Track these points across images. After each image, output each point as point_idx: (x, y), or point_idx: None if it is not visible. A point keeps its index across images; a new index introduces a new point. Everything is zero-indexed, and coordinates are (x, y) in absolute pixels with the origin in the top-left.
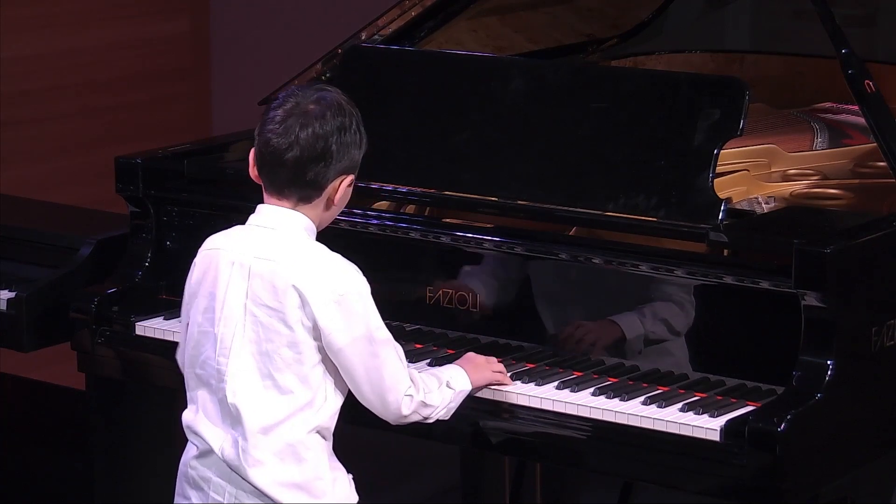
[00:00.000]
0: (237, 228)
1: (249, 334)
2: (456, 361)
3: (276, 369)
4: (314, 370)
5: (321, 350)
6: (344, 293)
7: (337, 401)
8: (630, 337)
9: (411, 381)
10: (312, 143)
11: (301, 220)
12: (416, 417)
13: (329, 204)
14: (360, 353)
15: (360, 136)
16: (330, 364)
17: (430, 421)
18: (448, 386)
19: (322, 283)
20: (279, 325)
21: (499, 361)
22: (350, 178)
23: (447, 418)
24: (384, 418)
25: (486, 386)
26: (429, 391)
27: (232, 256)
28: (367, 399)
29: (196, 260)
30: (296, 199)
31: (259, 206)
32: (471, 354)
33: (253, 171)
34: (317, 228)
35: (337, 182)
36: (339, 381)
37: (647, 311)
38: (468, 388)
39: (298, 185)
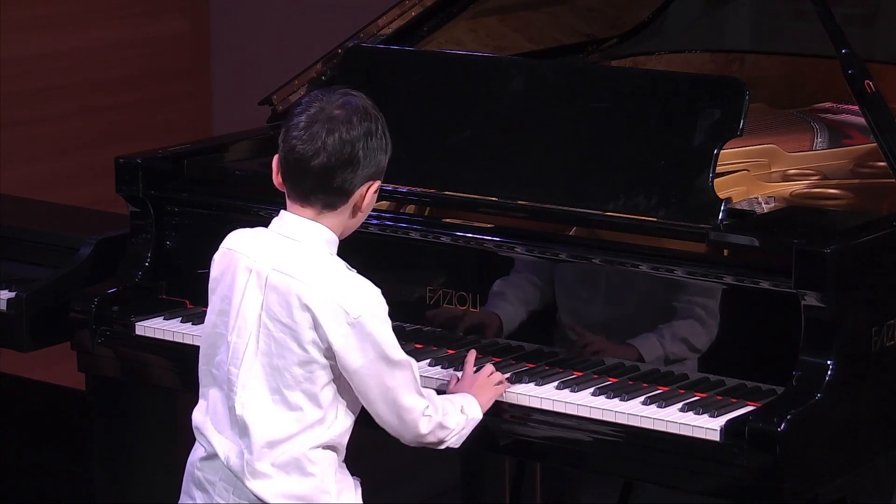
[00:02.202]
0: (260, 232)
1: (262, 347)
2: (460, 383)
3: (285, 386)
4: (325, 390)
5: (334, 370)
6: (359, 316)
7: (348, 419)
8: (648, 359)
9: (430, 401)
10: (339, 148)
11: (324, 233)
12: (432, 438)
13: (355, 211)
14: (375, 375)
15: (386, 140)
16: (343, 383)
17: (443, 447)
18: (462, 411)
19: (336, 305)
20: (291, 343)
21: (495, 369)
22: (377, 183)
23: (457, 446)
24: (401, 438)
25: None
26: (447, 413)
27: (250, 263)
28: (384, 419)
29: (216, 256)
30: (320, 207)
31: (282, 212)
32: (469, 373)
33: (277, 179)
34: (341, 236)
35: (364, 188)
36: (351, 399)
37: (666, 333)
38: (479, 416)
39: (325, 192)
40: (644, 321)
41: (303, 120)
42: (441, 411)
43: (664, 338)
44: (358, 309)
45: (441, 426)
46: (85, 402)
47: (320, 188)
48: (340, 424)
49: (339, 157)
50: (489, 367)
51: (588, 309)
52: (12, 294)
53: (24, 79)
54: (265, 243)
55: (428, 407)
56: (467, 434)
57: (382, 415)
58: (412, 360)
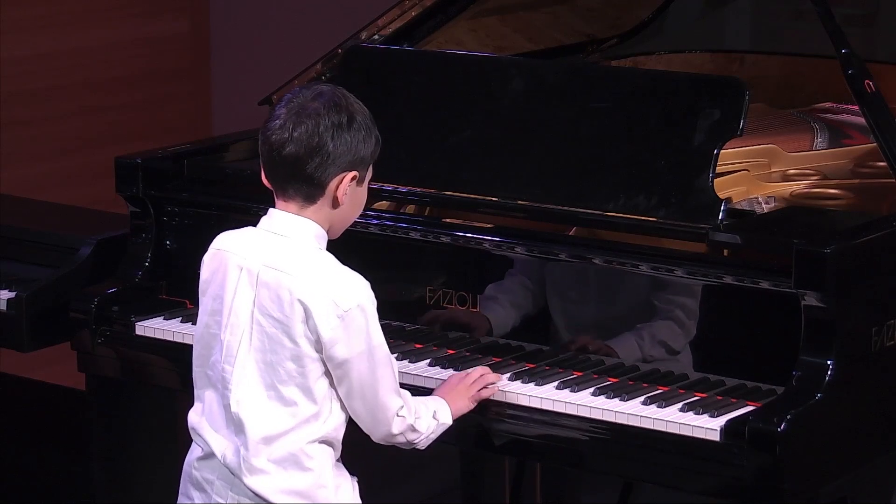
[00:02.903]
0: (248, 231)
1: (255, 343)
2: (437, 389)
3: (279, 381)
4: (318, 383)
5: (325, 363)
6: (348, 308)
7: (343, 413)
8: (627, 364)
9: (405, 402)
10: (306, 138)
11: (311, 227)
12: (402, 439)
13: (335, 203)
14: (357, 369)
15: (366, 132)
16: None
17: (410, 447)
18: (434, 417)
19: (327, 298)
20: (283, 338)
21: (484, 373)
22: (352, 174)
23: (423, 448)
24: (370, 434)
25: (468, 411)
26: (419, 416)
27: (240, 261)
28: (358, 414)
29: (205, 258)
30: (301, 200)
31: (270, 210)
32: (452, 380)
33: (263, 177)
34: (330, 232)
35: (338, 179)
36: None
37: (645, 335)
38: (449, 421)
39: (298, 183)
40: (625, 322)
41: (281, 112)
42: (414, 414)
43: (643, 339)
44: (348, 302)
45: (412, 429)
46: (85, 402)
47: (293, 178)
48: (336, 418)
49: (307, 147)
50: (464, 373)
51: (577, 309)
52: (12, 294)
53: (24, 79)
54: (254, 241)
55: (402, 408)
56: (435, 438)
57: (357, 409)
58: (393, 359)
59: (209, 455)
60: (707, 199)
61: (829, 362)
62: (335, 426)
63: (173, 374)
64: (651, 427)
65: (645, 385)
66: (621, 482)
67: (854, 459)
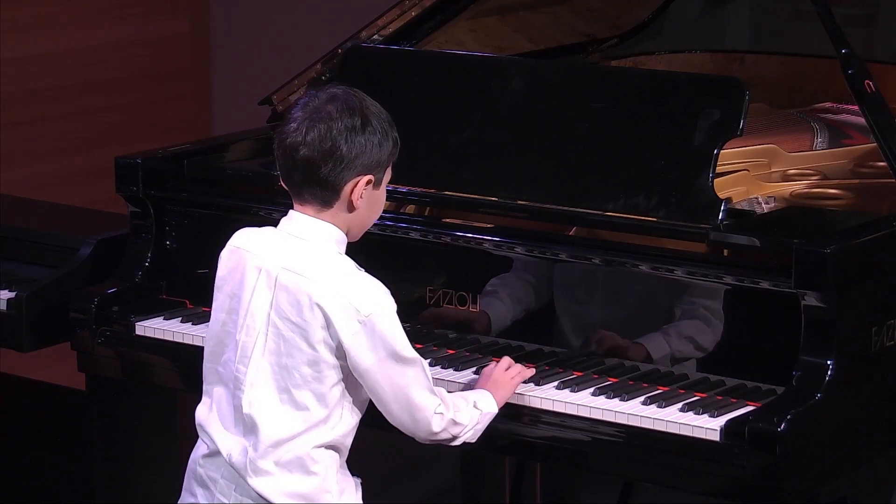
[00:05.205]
0: (268, 231)
1: (271, 345)
2: (479, 380)
3: (293, 385)
4: (333, 389)
5: (343, 370)
6: (369, 314)
7: (353, 419)
8: (656, 358)
9: (441, 399)
10: (319, 142)
11: (331, 231)
12: (445, 435)
13: (351, 207)
14: (386, 374)
15: (381, 135)
16: (350, 383)
17: (458, 442)
18: (475, 406)
19: (347, 304)
20: (301, 343)
21: (526, 366)
22: (367, 178)
23: (474, 441)
24: (413, 436)
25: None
26: (458, 409)
27: (259, 262)
28: (397, 418)
29: (223, 254)
30: (316, 204)
31: (290, 212)
32: (488, 370)
33: (281, 180)
34: (349, 236)
35: (352, 183)
36: (357, 399)
37: (672, 332)
38: (494, 410)
39: (312, 186)
40: (648, 322)
41: (294, 115)
42: (452, 408)
43: (670, 336)
44: (368, 307)
45: (453, 423)
46: (85, 402)
47: (307, 182)
48: (345, 425)
49: (321, 151)
50: (505, 362)
51: (588, 311)
52: (12, 294)
53: (24, 79)
54: (274, 242)
55: (440, 405)
56: (482, 428)
57: (395, 413)
58: (422, 359)
59: (215, 453)
60: (707, 199)
61: (829, 362)
62: (343, 432)
63: (173, 374)
64: (651, 427)
65: (645, 385)
66: (621, 482)
67: (854, 459)
